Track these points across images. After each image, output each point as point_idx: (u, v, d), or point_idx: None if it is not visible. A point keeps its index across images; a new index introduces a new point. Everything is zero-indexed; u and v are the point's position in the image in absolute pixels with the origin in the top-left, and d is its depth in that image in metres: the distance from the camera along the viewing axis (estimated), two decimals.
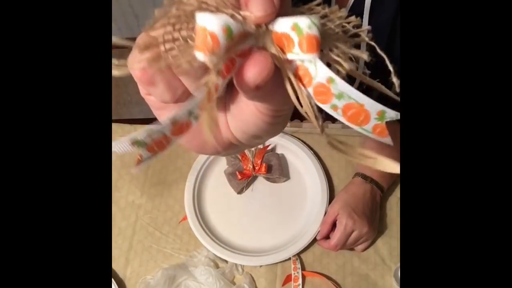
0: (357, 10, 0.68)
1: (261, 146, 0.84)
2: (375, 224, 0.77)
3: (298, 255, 0.76)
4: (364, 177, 0.77)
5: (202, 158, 0.83)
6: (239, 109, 0.21)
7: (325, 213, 0.77)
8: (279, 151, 0.85)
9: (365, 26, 0.74)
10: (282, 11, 0.18)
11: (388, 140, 0.19)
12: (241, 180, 0.80)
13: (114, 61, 0.19)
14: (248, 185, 0.82)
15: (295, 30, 0.18)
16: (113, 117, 0.75)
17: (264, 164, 0.81)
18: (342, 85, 0.18)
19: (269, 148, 0.84)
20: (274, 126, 0.22)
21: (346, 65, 0.19)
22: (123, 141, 0.17)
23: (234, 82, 0.19)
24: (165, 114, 0.22)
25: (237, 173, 0.80)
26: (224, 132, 0.22)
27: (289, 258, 0.75)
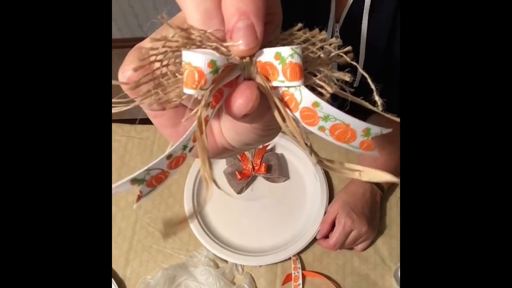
0: (357, 8, 0.68)
1: (260, 146, 0.83)
2: (375, 223, 0.76)
3: (298, 255, 0.76)
4: None
5: None
6: (232, 122, 0.22)
7: (325, 213, 0.77)
8: (278, 151, 0.85)
9: (365, 23, 0.74)
10: (266, 40, 0.19)
11: (375, 153, 0.20)
12: (241, 180, 0.80)
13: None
14: (247, 185, 0.82)
15: (278, 59, 0.19)
16: (113, 117, 0.75)
17: (263, 164, 0.81)
18: (327, 108, 0.19)
19: (268, 148, 0.84)
20: (267, 137, 0.23)
21: (329, 89, 0.20)
22: (123, 182, 0.18)
23: (224, 109, 0.20)
24: (160, 121, 0.23)
25: (237, 173, 0.80)
26: (218, 139, 0.23)
27: (289, 258, 0.75)
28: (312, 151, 0.20)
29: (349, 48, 0.20)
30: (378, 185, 0.76)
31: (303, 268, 0.75)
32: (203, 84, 0.18)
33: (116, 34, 1.84)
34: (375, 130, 0.19)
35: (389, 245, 0.77)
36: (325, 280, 0.74)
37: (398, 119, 0.21)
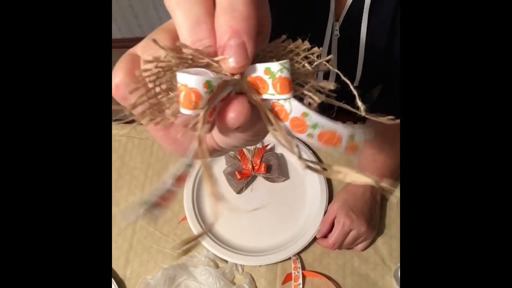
0: (356, 7, 0.68)
1: (260, 146, 0.83)
2: (374, 223, 0.76)
3: (298, 254, 0.76)
4: None
5: None
6: None
7: (325, 213, 0.77)
8: (278, 150, 0.85)
9: (364, 25, 0.74)
10: (254, 54, 0.20)
11: (356, 155, 0.22)
12: (241, 180, 0.80)
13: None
14: (247, 185, 0.82)
15: (268, 74, 0.20)
16: (113, 117, 0.75)
17: (263, 164, 0.81)
18: (315, 118, 0.21)
19: (268, 147, 0.84)
20: (255, 141, 0.24)
21: (317, 98, 0.21)
22: (129, 211, 0.19)
23: (216, 123, 0.21)
24: (161, 135, 0.23)
25: (236, 173, 0.80)
26: (208, 141, 0.24)
27: (289, 258, 0.75)
28: (300, 157, 0.21)
29: (330, 56, 0.21)
30: None
31: (303, 268, 0.75)
32: (199, 104, 0.19)
33: (116, 34, 1.84)
34: (360, 135, 0.21)
35: (389, 245, 0.77)
36: (325, 280, 0.74)
37: (396, 121, 0.22)
